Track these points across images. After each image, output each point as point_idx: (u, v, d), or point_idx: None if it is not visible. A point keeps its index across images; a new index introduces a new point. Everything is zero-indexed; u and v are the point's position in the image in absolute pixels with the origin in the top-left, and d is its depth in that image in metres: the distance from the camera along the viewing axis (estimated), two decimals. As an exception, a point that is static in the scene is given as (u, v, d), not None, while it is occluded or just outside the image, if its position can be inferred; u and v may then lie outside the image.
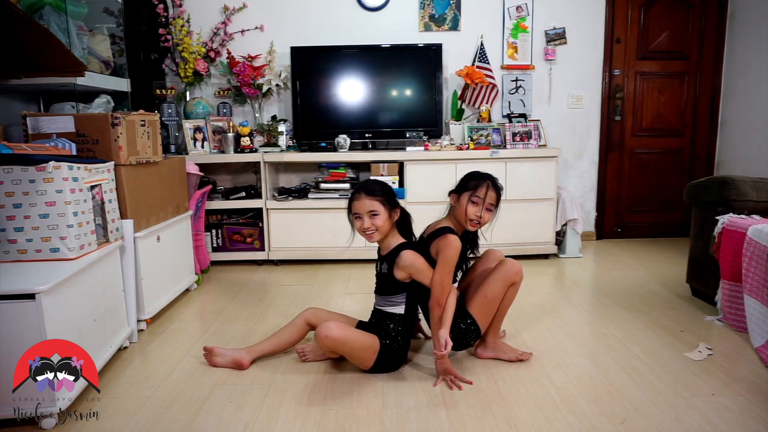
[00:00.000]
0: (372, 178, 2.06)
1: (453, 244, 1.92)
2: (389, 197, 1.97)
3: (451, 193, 2.06)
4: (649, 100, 4.09)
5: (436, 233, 1.99)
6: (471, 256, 2.18)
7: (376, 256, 2.08)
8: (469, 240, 2.13)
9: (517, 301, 2.23)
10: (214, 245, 3.58)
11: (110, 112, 2.54)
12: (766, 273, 2.14)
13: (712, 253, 2.49)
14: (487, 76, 3.78)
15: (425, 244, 2.02)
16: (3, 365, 1.59)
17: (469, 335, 2.04)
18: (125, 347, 2.25)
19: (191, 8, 3.78)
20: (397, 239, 2.00)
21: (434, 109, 3.72)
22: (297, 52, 3.68)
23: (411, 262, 1.92)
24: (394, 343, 1.96)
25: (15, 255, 1.90)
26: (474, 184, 1.98)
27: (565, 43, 3.93)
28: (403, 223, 2.06)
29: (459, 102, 3.83)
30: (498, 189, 2.00)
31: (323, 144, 3.70)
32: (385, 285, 2.00)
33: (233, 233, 3.58)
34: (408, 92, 3.78)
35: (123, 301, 2.24)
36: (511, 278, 2.02)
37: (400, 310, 1.98)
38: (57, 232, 1.90)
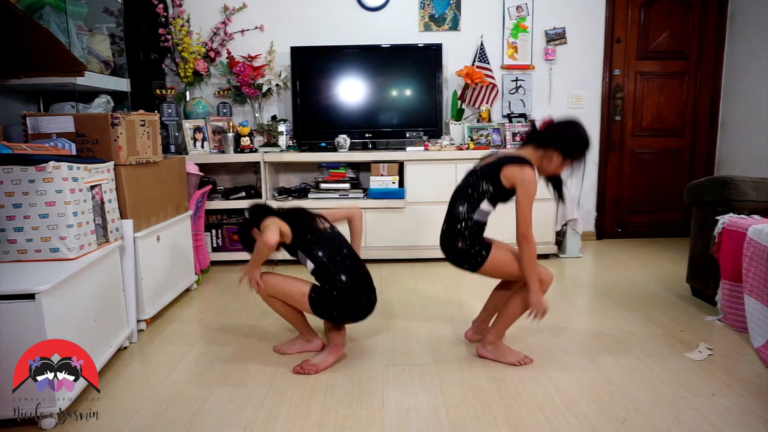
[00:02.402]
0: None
1: (534, 180, 1.89)
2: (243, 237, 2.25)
3: (558, 144, 1.92)
4: (649, 100, 4.09)
5: (514, 159, 1.92)
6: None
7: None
8: (556, 183, 2.06)
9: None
10: (214, 245, 3.58)
11: (110, 112, 2.54)
12: (766, 273, 2.14)
13: (713, 253, 2.48)
14: (487, 76, 3.78)
15: (495, 167, 1.93)
16: (3, 365, 1.58)
17: (470, 259, 1.98)
18: (125, 347, 2.25)
19: (191, 8, 3.78)
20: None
21: (434, 109, 3.72)
22: (297, 52, 3.68)
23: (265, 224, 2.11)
24: (325, 292, 2.01)
25: (15, 255, 1.90)
26: (580, 158, 1.93)
27: (565, 43, 3.93)
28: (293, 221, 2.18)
29: (459, 102, 3.83)
30: None
31: (323, 144, 3.70)
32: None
33: (233, 233, 3.57)
34: (408, 92, 3.78)
35: (123, 301, 2.24)
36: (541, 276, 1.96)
37: (310, 266, 2.09)
38: (57, 232, 1.90)
